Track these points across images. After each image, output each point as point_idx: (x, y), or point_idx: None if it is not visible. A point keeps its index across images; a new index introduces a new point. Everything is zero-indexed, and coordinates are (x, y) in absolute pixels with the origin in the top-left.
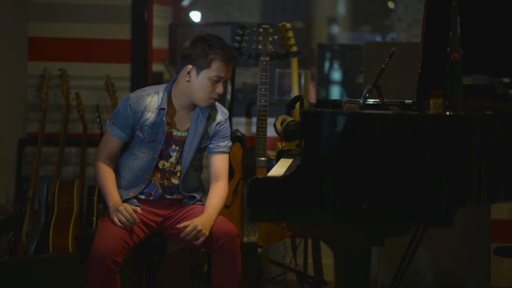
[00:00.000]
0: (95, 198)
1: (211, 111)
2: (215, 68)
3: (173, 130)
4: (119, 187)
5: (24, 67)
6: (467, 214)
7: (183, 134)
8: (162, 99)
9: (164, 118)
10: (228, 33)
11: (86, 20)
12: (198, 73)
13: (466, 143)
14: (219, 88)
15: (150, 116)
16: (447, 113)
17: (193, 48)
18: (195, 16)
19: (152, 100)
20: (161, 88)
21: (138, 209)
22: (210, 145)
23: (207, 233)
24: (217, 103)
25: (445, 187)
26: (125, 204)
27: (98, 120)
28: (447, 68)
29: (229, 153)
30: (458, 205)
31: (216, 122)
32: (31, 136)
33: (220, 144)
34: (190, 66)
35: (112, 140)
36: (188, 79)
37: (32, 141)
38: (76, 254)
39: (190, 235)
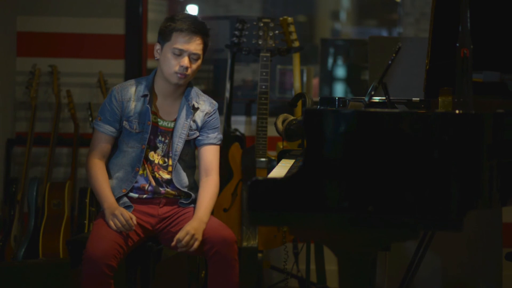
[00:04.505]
0: (87, 200)
1: (197, 101)
2: (175, 40)
3: (158, 119)
4: (111, 186)
5: (12, 63)
6: (478, 218)
7: (169, 125)
8: (144, 86)
9: (148, 105)
10: (227, 27)
11: (78, 14)
12: (162, 47)
13: (477, 143)
14: (184, 61)
15: (136, 105)
16: (457, 111)
17: (161, 26)
18: (192, 9)
19: (136, 89)
20: (145, 78)
21: (134, 218)
22: (199, 137)
23: (200, 238)
24: (204, 95)
25: (455, 189)
26: (122, 209)
27: (90, 119)
28: (456, 64)
29: (219, 146)
30: (468, 208)
31: (205, 112)
32: (20, 136)
33: (209, 135)
34: (157, 44)
35: (102, 137)
36: (157, 57)
37: (21, 141)
38: (67, 259)
39: (183, 241)
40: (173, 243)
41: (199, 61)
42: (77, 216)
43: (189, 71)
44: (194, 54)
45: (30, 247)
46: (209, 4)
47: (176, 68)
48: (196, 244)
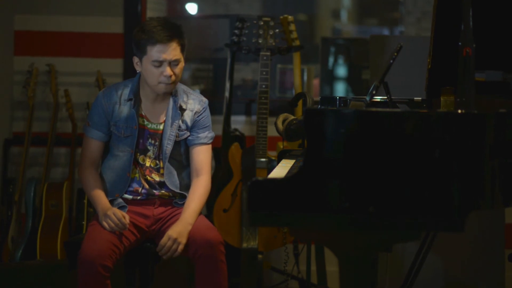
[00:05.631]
0: (85, 201)
1: (185, 100)
2: (150, 53)
3: (147, 122)
4: (104, 190)
5: (10, 63)
6: (480, 219)
7: (158, 127)
8: (130, 90)
9: (133, 109)
10: (227, 26)
11: (76, 13)
12: (141, 61)
13: (479, 143)
14: (166, 71)
15: (123, 110)
16: (459, 111)
17: (133, 37)
18: (192, 8)
19: (122, 93)
20: (131, 80)
21: (127, 217)
22: (190, 137)
23: (184, 241)
24: (194, 93)
25: (457, 190)
26: (114, 209)
27: None
28: (458, 64)
29: (211, 144)
30: (470, 208)
31: (194, 111)
32: (18, 136)
33: (200, 135)
34: (135, 57)
35: (91, 143)
36: (139, 70)
37: (18, 141)
38: (65, 260)
39: (165, 247)
40: (158, 249)
41: (181, 64)
42: (75, 217)
43: (173, 77)
44: (174, 60)
45: (28, 248)
46: (209, 3)
47: (160, 79)
48: (180, 248)
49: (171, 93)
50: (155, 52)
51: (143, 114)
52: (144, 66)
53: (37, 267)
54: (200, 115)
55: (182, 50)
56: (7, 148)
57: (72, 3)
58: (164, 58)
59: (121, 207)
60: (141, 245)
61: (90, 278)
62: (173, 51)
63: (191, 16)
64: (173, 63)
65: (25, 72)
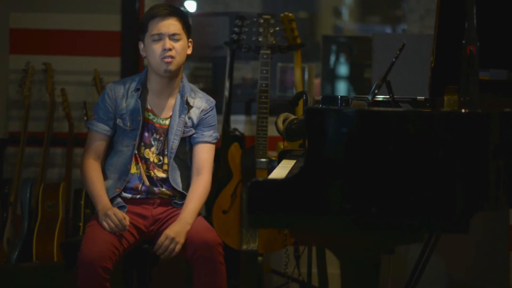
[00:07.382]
0: (82, 202)
1: (192, 97)
2: (151, 28)
3: (152, 116)
4: (106, 187)
5: (5, 61)
6: (484, 220)
7: (164, 122)
8: (137, 82)
9: (139, 99)
10: (226, 24)
11: (73, 10)
12: (144, 42)
13: (483, 142)
14: (165, 44)
15: (129, 103)
16: (463, 110)
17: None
18: (191, 6)
19: (130, 86)
20: (138, 74)
21: (127, 218)
22: (194, 135)
23: (182, 240)
24: (201, 92)
25: (460, 191)
26: (115, 209)
27: (85, 118)
28: (462, 62)
29: (214, 144)
30: (474, 209)
31: (201, 109)
32: (13, 136)
33: (204, 133)
34: (140, 43)
35: (96, 137)
36: (144, 55)
37: (14, 141)
38: (62, 262)
39: (163, 246)
40: (155, 248)
41: (182, 42)
42: (71, 218)
43: (174, 52)
44: (173, 34)
45: (24, 250)
46: (208, 1)
47: (160, 53)
48: (177, 247)
49: (178, 89)
50: (154, 25)
51: (149, 108)
52: (146, 46)
53: (33, 269)
54: (207, 113)
55: (184, 29)
56: (3, 148)
57: (69, 1)
58: (164, 31)
59: (120, 207)
60: (139, 247)
61: (90, 279)
62: (171, 25)
63: (190, 13)
64: (172, 38)
65: (21, 71)
